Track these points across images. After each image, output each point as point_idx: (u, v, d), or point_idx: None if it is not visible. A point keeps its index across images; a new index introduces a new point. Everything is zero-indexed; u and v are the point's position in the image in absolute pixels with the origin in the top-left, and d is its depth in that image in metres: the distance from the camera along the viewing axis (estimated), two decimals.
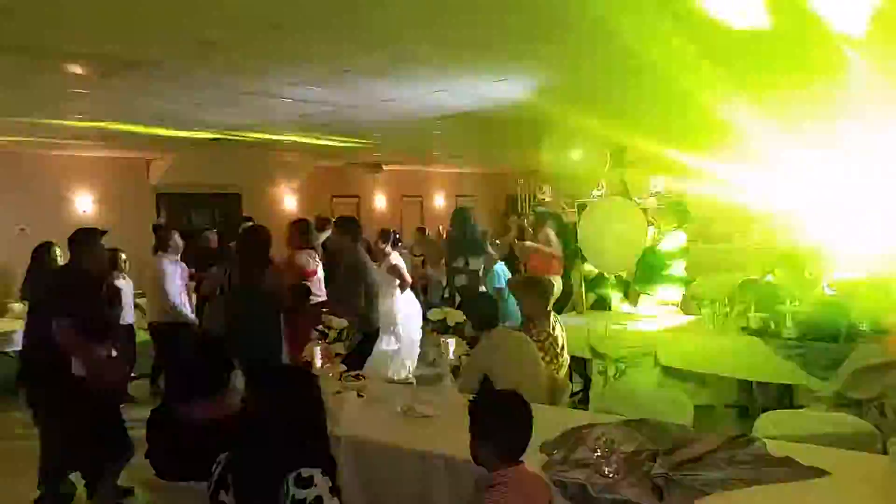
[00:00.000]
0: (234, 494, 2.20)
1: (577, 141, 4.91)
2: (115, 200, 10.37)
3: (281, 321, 4.85)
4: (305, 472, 2.11)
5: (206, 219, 11.64)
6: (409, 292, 7.18)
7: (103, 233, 4.45)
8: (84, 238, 4.33)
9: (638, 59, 4.97)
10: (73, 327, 4.11)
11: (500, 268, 6.33)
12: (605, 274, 6.47)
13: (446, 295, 6.07)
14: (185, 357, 2.89)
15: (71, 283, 4.31)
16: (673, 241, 6.09)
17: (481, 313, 4.11)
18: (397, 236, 8.31)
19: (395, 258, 7.11)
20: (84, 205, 10.00)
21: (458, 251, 6.05)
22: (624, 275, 6.51)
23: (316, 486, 2.10)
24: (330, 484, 2.14)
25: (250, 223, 8.72)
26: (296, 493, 2.09)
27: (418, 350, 6.71)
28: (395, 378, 5.75)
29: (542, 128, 8.73)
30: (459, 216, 6.23)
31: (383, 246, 7.16)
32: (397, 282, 6.91)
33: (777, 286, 5.34)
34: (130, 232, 9.05)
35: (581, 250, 6.27)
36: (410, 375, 6.42)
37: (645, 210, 6.31)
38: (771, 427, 3.21)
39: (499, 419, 2.38)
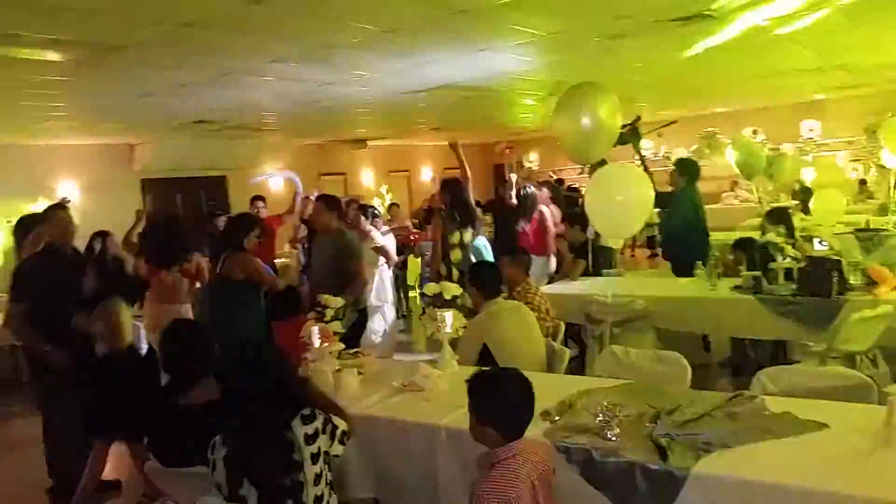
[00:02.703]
0: (246, 469, 2.25)
1: (587, 108, 4.85)
2: (100, 187, 10.27)
3: (258, 310, 4.94)
4: (305, 410, 2.37)
5: (192, 203, 11.57)
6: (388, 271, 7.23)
7: (58, 205, 4.44)
8: (30, 222, 4.38)
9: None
10: (27, 311, 4.12)
11: (483, 242, 6.29)
12: (601, 241, 6.50)
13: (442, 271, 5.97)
14: (173, 345, 2.90)
15: (26, 268, 4.33)
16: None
17: (488, 281, 4.12)
18: (375, 212, 8.24)
19: (378, 237, 7.13)
20: (69, 193, 9.89)
21: (453, 225, 5.98)
22: (612, 242, 6.56)
23: (318, 417, 2.39)
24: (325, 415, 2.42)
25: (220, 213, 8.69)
26: (306, 431, 2.33)
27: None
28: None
29: (529, 97, 8.76)
30: (453, 189, 6.14)
31: (362, 222, 7.15)
32: (382, 260, 6.93)
33: (768, 243, 5.38)
34: (118, 218, 8.98)
35: (574, 217, 6.29)
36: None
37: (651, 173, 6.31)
38: (768, 383, 3.25)
39: (499, 399, 2.34)
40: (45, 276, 4.28)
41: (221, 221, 8.01)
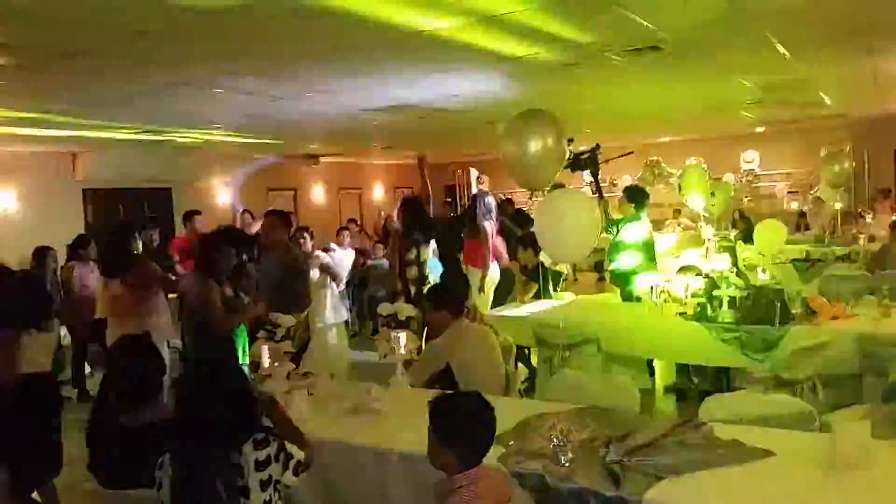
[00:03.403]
0: (189, 489, 2.19)
1: (535, 133, 4.89)
2: (39, 196, 9.92)
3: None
4: (258, 435, 2.32)
5: (136, 215, 11.27)
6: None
7: None
8: None
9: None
10: None
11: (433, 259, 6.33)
12: (546, 264, 6.56)
13: (397, 288, 5.95)
14: (123, 363, 2.80)
15: None
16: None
17: (456, 297, 4.09)
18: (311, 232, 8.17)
19: (323, 256, 7.08)
20: (6, 202, 9.53)
21: (411, 242, 5.97)
22: (558, 265, 6.65)
23: (272, 444, 2.33)
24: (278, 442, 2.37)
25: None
26: (257, 456, 2.27)
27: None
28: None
29: (487, 119, 8.84)
30: (412, 206, 6.14)
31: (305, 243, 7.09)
32: (328, 279, 6.86)
33: (712, 272, 5.50)
34: (58, 228, 8.69)
35: (526, 240, 6.34)
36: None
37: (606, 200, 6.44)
38: (716, 409, 3.30)
39: (463, 424, 2.31)
40: None
41: (151, 235, 7.83)
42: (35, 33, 4.15)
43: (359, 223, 12.38)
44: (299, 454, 2.44)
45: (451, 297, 4.14)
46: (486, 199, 7.85)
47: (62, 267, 7.04)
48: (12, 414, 3.72)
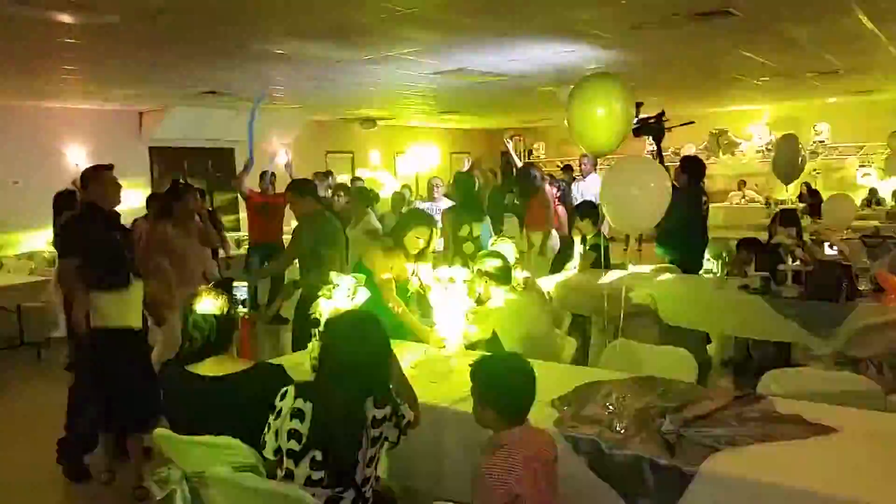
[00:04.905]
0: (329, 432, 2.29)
1: (604, 96, 4.77)
2: (108, 154, 10.17)
3: None
4: (377, 393, 2.36)
5: (200, 173, 11.56)
6: None
7: (108, 167, 4.42)
8: (91, 174, 4.39)
9: None
10: (79, 267, 4.09)
11: (487, 227, 6.30)
12: (605, 234, 6.48)
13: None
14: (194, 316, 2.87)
15: (80, 223, 4.32)
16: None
17: (501, 270, 4.07)
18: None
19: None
20: (77, 158, 9.85)
21: (463, 220, 5.97)
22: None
23: (388, 404, 2.39)
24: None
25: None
26: (375, 414, 2.34)
27: None
28: None
29: (547, 85, 8.73)
30: (463, 184, 6.14)
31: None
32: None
33: (777, 244, 5.36)
34: (125, 186, 8.94)
35: (585, 208, 6.29)
36: None
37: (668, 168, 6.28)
38: (774, 385, 3.24)
39: (499, 384, 2.37)
40: (86, 232, 4.27)
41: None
42: None
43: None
44: (409, 414, 2.50)
45: (498, 266, 4.11)
46: (532, 172, 7.82)
47: (132, 223, 7.25)
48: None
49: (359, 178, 9.97)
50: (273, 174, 8.63)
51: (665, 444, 2.53)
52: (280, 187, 8.70)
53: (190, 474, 2.55)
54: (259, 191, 8.34)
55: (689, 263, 6.22)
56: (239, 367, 2.65)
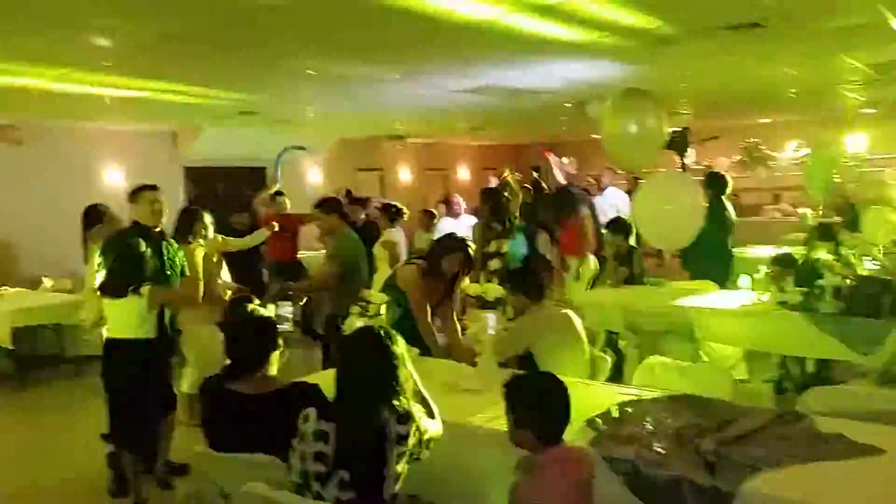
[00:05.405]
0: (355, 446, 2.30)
1: (638, 113, 4.76)
2: (144, 173, 10.36)
3: None
4: (400, 409, 2.35)
5: (234, 192, 11.68)
6: None
7: (150, 187, 4.47)
8: (132, 193, 4.51)
9: None
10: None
11: (518, 243, 6.28)
12: (639, 248, 6.43)
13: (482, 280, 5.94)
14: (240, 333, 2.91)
15: (119, 236, 4.40)
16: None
17: (532, 286, 4.05)
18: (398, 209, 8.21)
19: (397, 235, 7.17)
20: (114, 177, 10.05)
21: (491, 235, 5.96)
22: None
23: (411, 421, 2.37)
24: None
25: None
26: (399, 430, 2.32)
27: None
28: None
29: (577, 100, 8.71)
30: (491, 200, 6.14)
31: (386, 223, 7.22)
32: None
33: (816, 260, 5.26)
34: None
35: (618, 223, 6.24)
36: None
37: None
38: (816, 403, 3.18)
39: (535, 404, 2.36)
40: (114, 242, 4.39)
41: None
42: (137, 17, 4.32)
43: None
44: (434, 433, 2.50)
45: (529, 281, 4.12)
46: (571, 191, 7.77)
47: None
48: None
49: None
50: (282, 193, 8.70)
51: (705, 464, 2.49)
52: (303, 208, 8.78)
53: (225, 491, 2.57)
54: (273, 211, 8.41)
55: (713, 279, 6.17)
56: (277, 386, 2.67)
